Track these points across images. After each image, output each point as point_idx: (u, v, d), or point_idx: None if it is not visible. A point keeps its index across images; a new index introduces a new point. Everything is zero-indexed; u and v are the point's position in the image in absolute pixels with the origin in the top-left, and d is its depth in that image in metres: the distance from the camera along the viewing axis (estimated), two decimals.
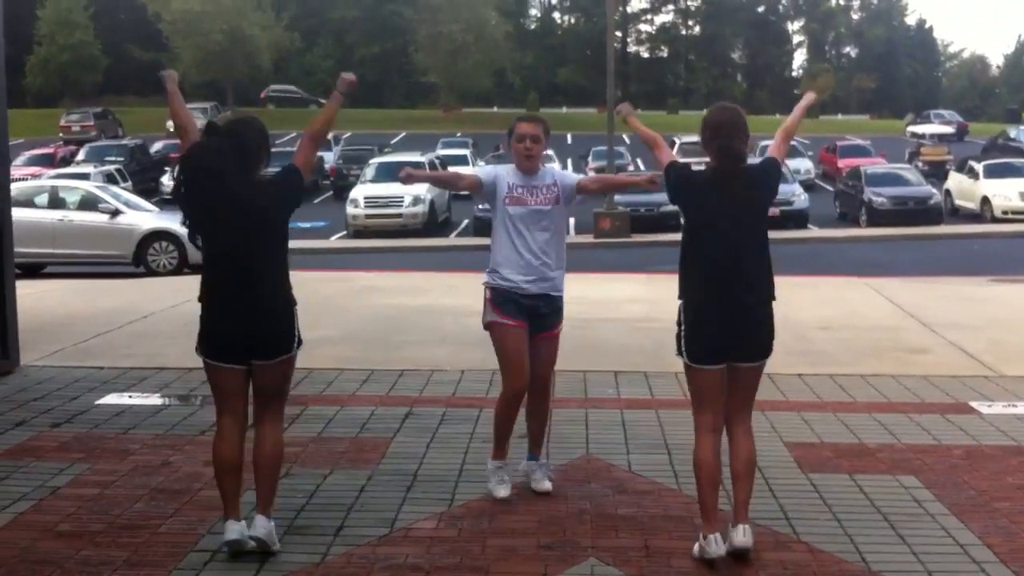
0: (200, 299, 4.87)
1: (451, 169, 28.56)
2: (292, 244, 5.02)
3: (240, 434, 4.92)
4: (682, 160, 5.27)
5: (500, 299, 5.56)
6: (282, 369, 4.88)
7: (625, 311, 11.91)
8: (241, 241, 4.75)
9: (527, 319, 5.56)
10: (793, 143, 33.83)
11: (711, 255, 4.75)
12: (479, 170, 5.90)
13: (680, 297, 4.84)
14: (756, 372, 4.85)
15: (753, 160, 4.94)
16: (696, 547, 4.78)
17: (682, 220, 5.01)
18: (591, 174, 39.56)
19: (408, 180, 5.68)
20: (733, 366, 4.78)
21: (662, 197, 29.58)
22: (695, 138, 37.51)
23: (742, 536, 4.68)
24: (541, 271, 5.58)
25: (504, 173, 5.72)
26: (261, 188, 4.86)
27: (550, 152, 41.60)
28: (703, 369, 4.77)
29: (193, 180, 4.80)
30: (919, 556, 4.83)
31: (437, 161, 33.87)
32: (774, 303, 4.83)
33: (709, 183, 4.81)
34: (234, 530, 4.78)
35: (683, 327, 4.79)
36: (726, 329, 4.71)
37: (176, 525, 5.23)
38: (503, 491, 5.64)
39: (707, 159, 4.84)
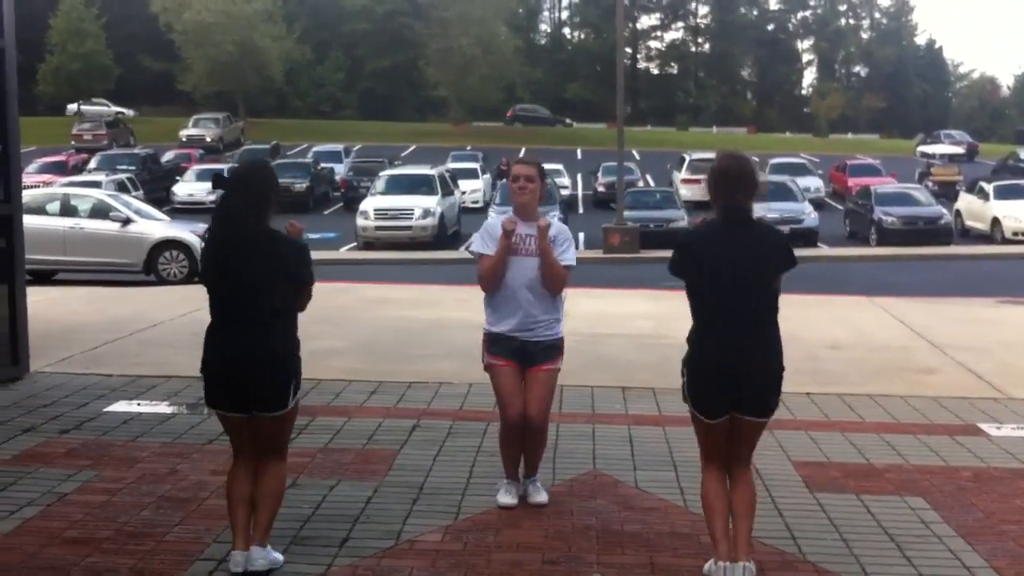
0: (206, 344, 4.85)
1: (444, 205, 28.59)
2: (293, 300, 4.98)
3: (253, 467, 4.89)
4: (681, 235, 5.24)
5: (491, 340, 5.70)
6: (280, 419, 4.85)
7: (633, 327, 11.91)
8: (237, 286, 4.73)
9: (518, 358, 5.66)
10: (803, 161, 33.69)
11: (713, 308, 4.69)
12: (479, 250, 5.74)
13: (687, 350, 4.80)
14: (758, 427, 4.80)
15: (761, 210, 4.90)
16: (707, 566, 4.77)
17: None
18: (600, 188, 39.65)
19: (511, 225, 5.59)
20: (735, 417, 4.73)
21: (672, 213, 29.76)
22: (705, 154, 37.67)
23: (742, 574, 4.61)
24: (529, 322, 5.63)
25: (495, 224, 5.74)
26: (270, 245, 4.78)
27: (559, 166, 41.67)
28: (708, 422, 4.75)
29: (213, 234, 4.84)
30: None
31: (447, 174, 33.87)
32: (780, 328, 4.76)
33: (712, 236, 4.75)
34: (239, 562, 4.76)
35: (687, 377, 4.77)
36: (727, 385, 4.66)
37: (182, 533, 5.24)
38: (508, 499, 5.73)
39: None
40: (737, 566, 4.61)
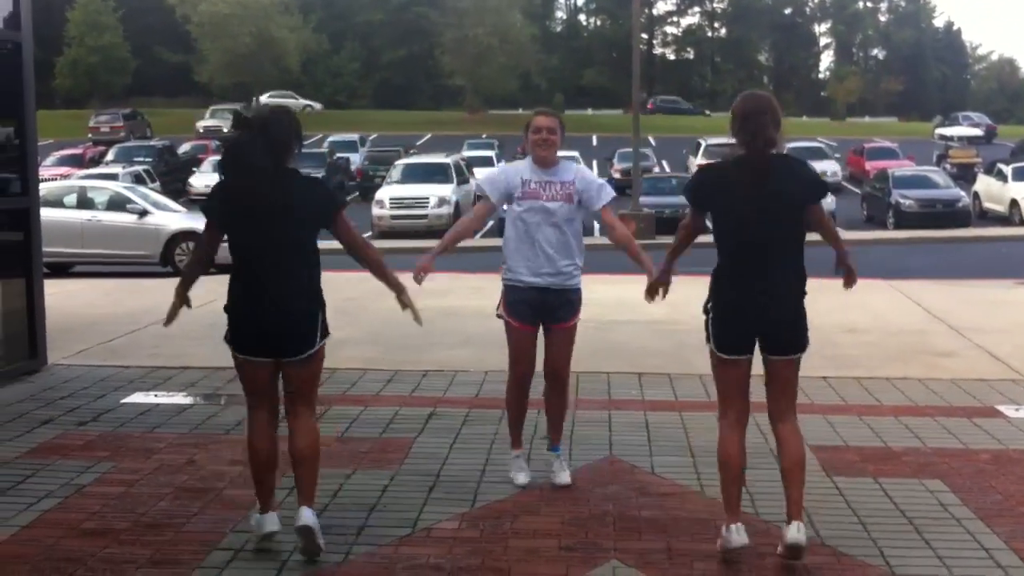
0: (228, 292, 4.87)
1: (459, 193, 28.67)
2: (317, 244, 5.01)
3: (273, 427, 4.95)
4: (700, 166, 5.27)
5: (512, 298, 5.73)
6: (308, 364, 4.86)
7: (648, 313, 11.78)
8: (269, 237, 4.72)
9: (536, 319, 5.73)
10: (820, 145, 33.60)
11: (738, 243, 4.69)
12: (484, 187, 5.83)
13: (710, 285, 4.81)
14: (788, 366, 4.77)
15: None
16: (719, 541, 4.76)
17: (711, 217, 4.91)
18: (616, 175, 39.56)
19: (422, 273, 5.61)
20: (766, 359, 4.75)
21: None
22: (721, 140, 37.51)
23: (795, 532, 4.60)
24: (550, 266, 5.66)
25: (516, 170, 5.82)
26: (296, 190, 4.77)
27: (575, 153, 41.63)
28: (727, 359, 4.74)
29: (227, 179, 4.81)
30: (944, 560, 4.80)
31: (463, 163, 33.85)
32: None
33: (736, 172, 4.71)
34: (274, 521, 4.84)
35: (710, 314, 4.77)
36: (752, 319, 4.67)
37: (200, 524, 5.25)
38: (522, 478, 5.81)
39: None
40: (792, 525, 4.61)
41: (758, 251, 4.66)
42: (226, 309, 4.87)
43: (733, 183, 4.69)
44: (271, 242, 4.73)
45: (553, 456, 5.92)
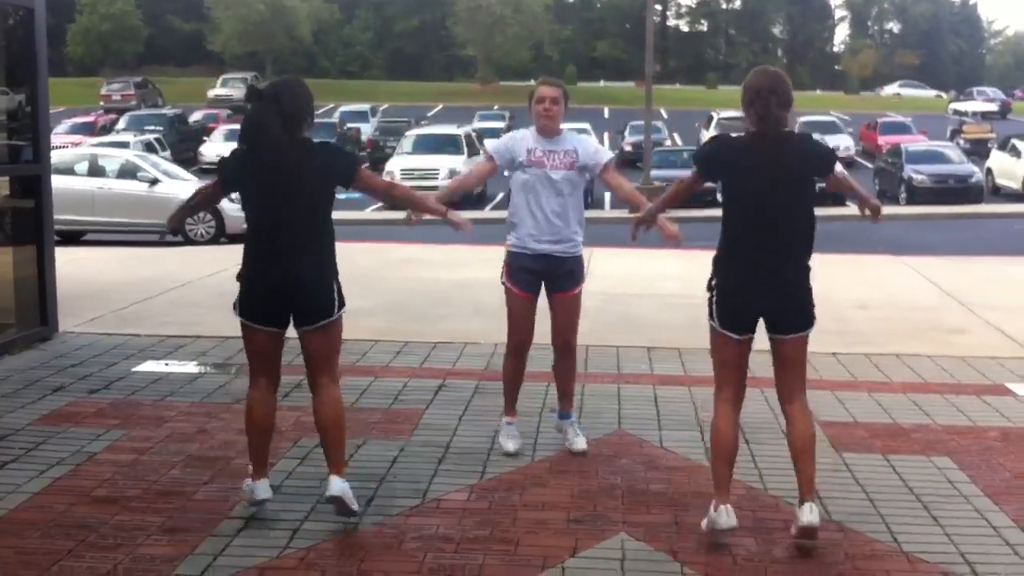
0: (244, 260, 4.89)
1: (470, 164, 28.74)
2: (331, 215, 5.03)
3: (273, 397, 4.99)
4: (712, 136, 5.28)
5: (514, 264, 5.81)
6: (326, 333, 4.89)
7: (659, 287, 11.88)
8: (282, 205, 4.73)
9: (537, 287, 5.82)
10: (833, 119, 33.48)
11: (746, 220, 4.66)
12: (489, 149, 5.97)
13: (714, 263, 4.79)
14: (796, 344, 4.73)
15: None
16: (705, 520, 4.74)
17: (719, 194, 4.93)
18: (627, 148, 39.45)
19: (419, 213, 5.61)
20: (772, 338, 4.73)
21: None
22: (734, 113, 37.35)
23: (808, 514, 4.58)
24: (553, 232, 5.74)
25: (521, 137, 5.90)
26: (310, 158, 4.77)
27: (586, 126, 41.51)
28: (727, 336, 4.71)
29: (244, 149, 4.84)
30: (951, 537, 4.81)
31: (473, 133, 33.78)
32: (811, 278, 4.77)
33: (747, 148, 4.70)
34: (266, 488, 4.90)
35: (714, 292, 4.75)
36: (758, 297, 4.65)
37: (211, 492, 5.28)
38: (512, 445, 5.88)
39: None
40: (805, 506, 4.59)
41: (767, 229, 4.62)
42: (239, 277, 4.89)
43: (744, 159, 4.67)
44: (288, 211, 4.74)
45: (567, 424, 6.00)
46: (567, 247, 5.79)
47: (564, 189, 5.76)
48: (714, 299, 4.75)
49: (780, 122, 4.62)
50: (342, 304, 4.92)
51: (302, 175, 4.73)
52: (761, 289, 4.64)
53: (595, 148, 6.02)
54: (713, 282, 4.77)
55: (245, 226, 4.98)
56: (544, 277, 5.81)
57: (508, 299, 5.90)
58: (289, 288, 4.77)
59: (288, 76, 5.24)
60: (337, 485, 4.77)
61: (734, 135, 4.93)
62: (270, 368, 4.95)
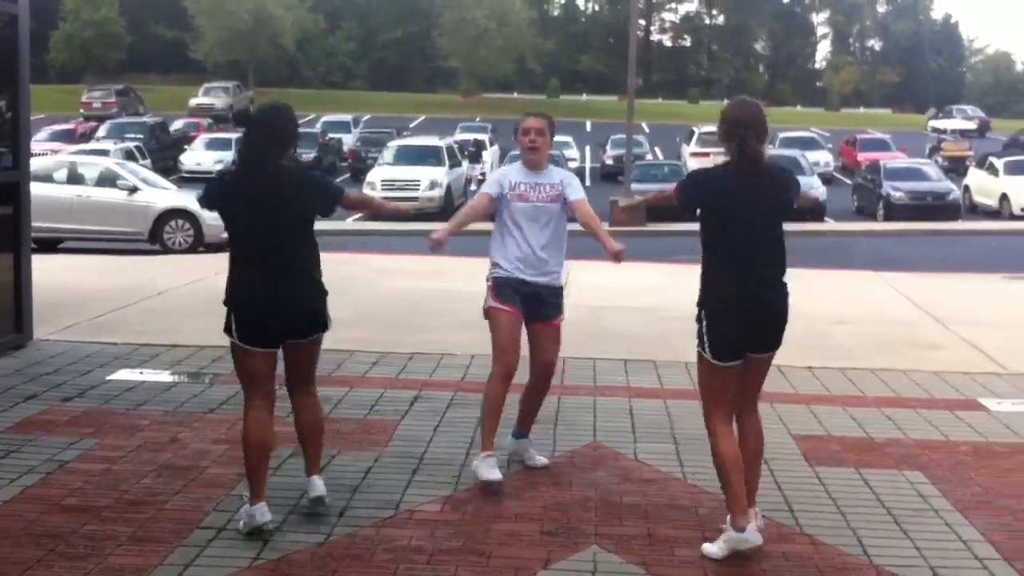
0: (230, 285, 4.92)
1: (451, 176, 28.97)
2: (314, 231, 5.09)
3: (271, 417, 5.01)
4: (695, 169, 5.36)
5: (499, 285, 5.74)
6: (314, 345, 5.09)
7: (637, 300, 11.90)
8: (274, 229, 4.83)
9: (524, 306, 5.73)
10: (813, 135, 33.63)
11: (727, 253, 4.74)
12: (485, 187, 5.95)
13: (700, 294, 4.82)
14: (769, 361, 4.90)
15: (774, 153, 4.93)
16: (721, 544, 4.69)
17: (699, 220, 4.95)
18: (608, 161, 39.57)
19: (437, 246, 5.67)
20: (748, 357, 4.79)
21: None
22: (715, 128, 37.45)
23: (754, 518, 4.72)
24: (539, 266, 5.73)
25: (507, 172, 5.92)
26: (296, 182, 4.96)
27: (568, 139, 41.59)
28: (724, 366, 4.75)
29: (233, 173, 5.06)
30: (922, 551, 4.83)
31: (455, 145, 33.80)
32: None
33: (726, 181, 4.78)
34: (265, 512, 4.82)
35: (704, 324, 4.77)
36: (747, 325, 4.72)
37: (182, 502, 5.26)
38: (494, 473, 5.52)
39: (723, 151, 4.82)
40: (749, 512, 4.68)
41: (747, 260, 4.71)
42: (227, 303, 4.92)
43: (722, 193, 4.75)
44: (277, 235, 4.84)
45: (526, 443, 5.95)
46: (551, 279, 5.80)
47: (549, 222, 5.76)
48: (704, 330, 4.77)
49: (757, 156, 4.71)
50: (330, 322, 5.10)
51: (291, 199, 4.87)
52: (747, 317, 4.71)
53: (574, 185, 5.90)
54: (702, 313, 4.80)
55: (229, 251, 5.07)
56: (528, 302, 5.73)
57: (495, 321, 5.70)
58: (287, 306, 4.86)
59: (276, 101, 5.33)
60: (320, 486, 5.03)
61: (709, 167, 5.01)
62: (267, 388, 4.98)
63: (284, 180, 4.88)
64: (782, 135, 42.43)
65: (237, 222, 4.94)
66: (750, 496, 4.78)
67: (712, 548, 4.72)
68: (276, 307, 4.84)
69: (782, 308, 4.80)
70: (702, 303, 4.81)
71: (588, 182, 38.29)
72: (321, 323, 5.02)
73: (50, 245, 18.70)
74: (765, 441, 4.97)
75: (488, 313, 5.76)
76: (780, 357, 4.97)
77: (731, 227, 4.74)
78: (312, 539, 4.81)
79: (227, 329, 4.95)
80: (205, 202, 5.12)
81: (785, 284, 4.82)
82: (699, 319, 4.81)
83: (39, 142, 36.84)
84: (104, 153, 29.09)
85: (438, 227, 5.79)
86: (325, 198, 5.10)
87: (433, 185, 28.78)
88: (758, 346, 4.79)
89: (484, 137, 42.70)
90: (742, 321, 4.72)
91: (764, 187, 4.74)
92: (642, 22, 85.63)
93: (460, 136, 41.08)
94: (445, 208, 28.84)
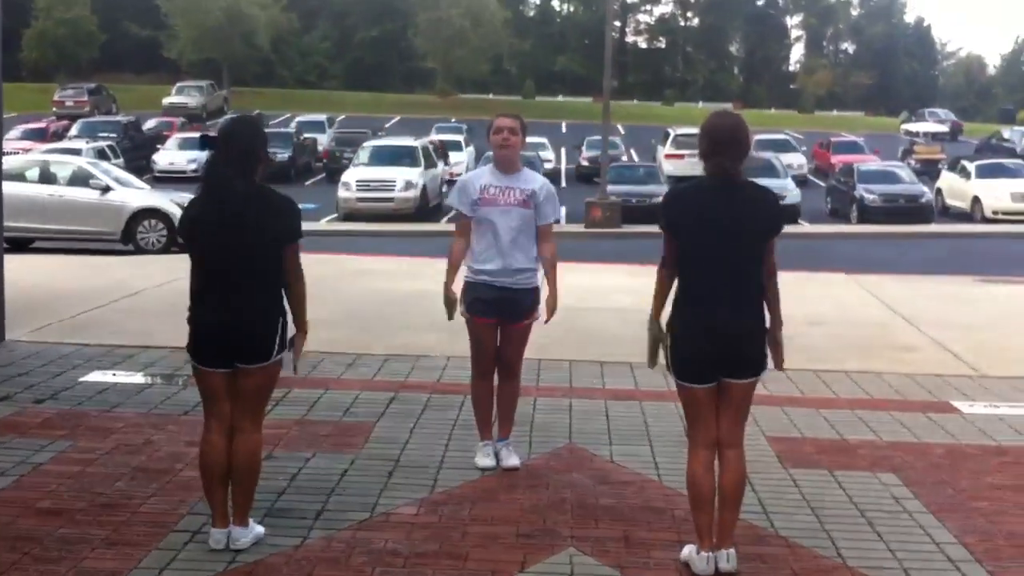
0: (192, 304, 4.81)
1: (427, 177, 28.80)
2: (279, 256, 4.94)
3: (226, 440, 4.79)
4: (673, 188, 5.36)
5: (471, 295, 5.88)
6: (263, 374, 4.78)
7: (613, 301, 11.92)
8: (232, 252, 4.68)
9: (496, 313, 5.86)
10: (787, 137, 33.63)
11: (700, 269, 4.58)
12: (454, 203, 6.01)
13: (671, 312, 4.69)
14: (747, 389, 4.67)
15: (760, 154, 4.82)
16: (685, 551, 4.69)
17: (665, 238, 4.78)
18: (584, 162, 39.59)
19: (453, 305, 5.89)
20: (723, 382, 4.62)
21: (655, 188, 29.69)
22: (690, 129, 37.61)
23: (726, 562, 4.55)
24: (508, 266, 5.81)
25: (476, 175, 5.99)
26: (260, 205, 4.72)
27: (543, 140, 41.57)
28: (690, 387, 4.65)
29: (199, 196, 4.83)
30: (895, 553, 4.87)
31: (431, 146, 33.72)
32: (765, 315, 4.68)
33: (701, 195, 4.66)
34: (219, 540, 4.72)
35: (672, 341, 4.66)
36: (713, 350, 4.54)
37: (157, 504, 5.24)
38: (486, 460, 5.93)
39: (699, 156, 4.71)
40: (721, 553, 4.56)
41: (721, 278, 4.55)
42: (189, 321, 4.83)
43: (698, 209, 4.62)
44: (234, 257, 4.68)
45: (501, 446, 6.00)
46: (520, 279, 5.86)
47: (518, 225, 5.81)
48: (671, 349, 4.66)
49: (736, 173, 4.58)
50: (283, 347, 4.81)
51: (253, 223, 4.66)
52: (712, 341, 4.54)
53: (555, 206, 6.02)
54: (671, 328, 4.67)
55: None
56: (499, 305, 5.83)
57: (470, 329, 5.98)
58: (229, 328, 4.69)
59: (242, 115, 5.17)
60: (241, 537, 4.71)
61: (685, 185, 4.90)
62: (220, 410, 4.80)
63: (246, 203, 4.68)
64: (756, 138, 42.24)
65: (195, 241, 4.80)
66: (726, 534, 4.59)
67: (683, 552, 4.73)
68: (221, 327, 4.69)
69: (752, 333, 4.61)
70: (669, 323, 4.68)
71: (564, 183, 38.35)
72: (266, 351, 4.72)
73: (22, 245, 18.53)
74: None
75: (466, 319, 5.96)
76: None
77: (701, 247, 4.57)
78: (288, 543, 4.80)
79: (187, 346, 4.86)
80: (183, 235, 5.01)
81: (758, 307, 4.63)
82: (669, 328, 4.69)
83: (10, 141, 36.51)
84: (76, 152, 28.86)
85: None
86: (285, 232, 4.78)
87: (408, 186, 28.68)
88: (724, 371, 4.59)
89: (460, 138, 42.60)
90: (700, 346, 4.55)
91: (740, 206, 4.57)
92: (617, 24, 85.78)
93: (430, 137, 40.97)
94: (421, 208, 28.80)
